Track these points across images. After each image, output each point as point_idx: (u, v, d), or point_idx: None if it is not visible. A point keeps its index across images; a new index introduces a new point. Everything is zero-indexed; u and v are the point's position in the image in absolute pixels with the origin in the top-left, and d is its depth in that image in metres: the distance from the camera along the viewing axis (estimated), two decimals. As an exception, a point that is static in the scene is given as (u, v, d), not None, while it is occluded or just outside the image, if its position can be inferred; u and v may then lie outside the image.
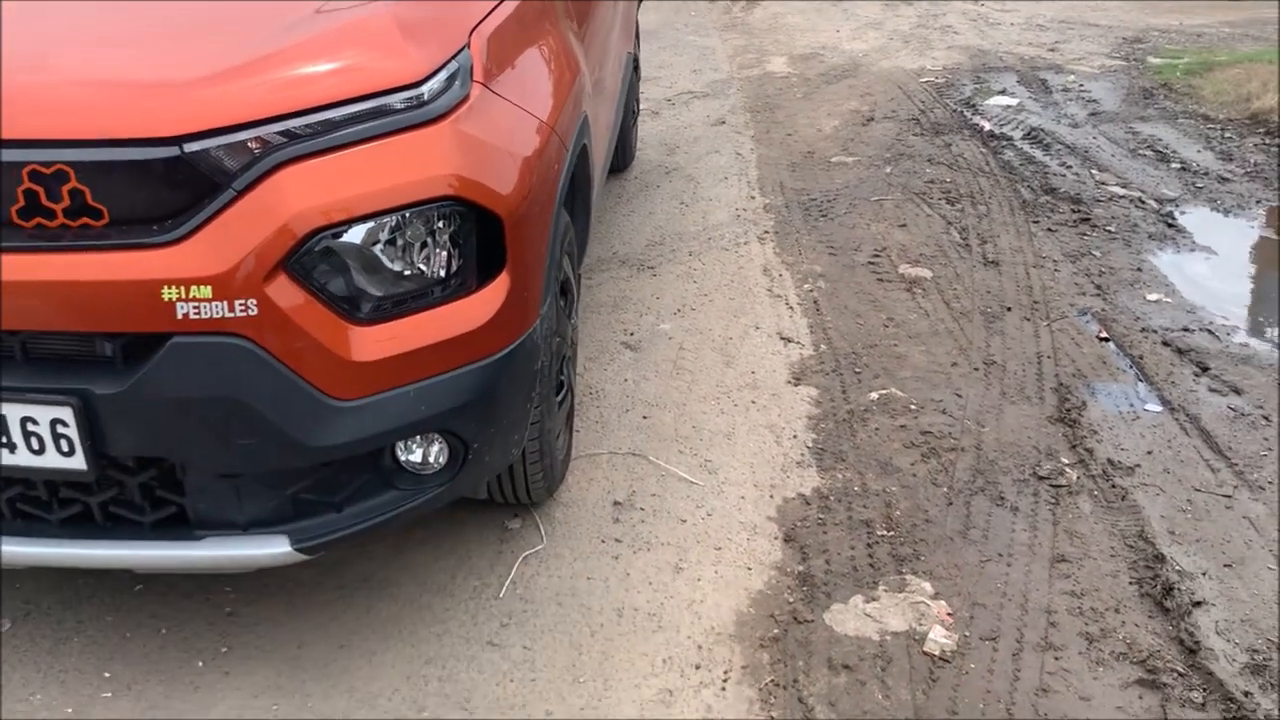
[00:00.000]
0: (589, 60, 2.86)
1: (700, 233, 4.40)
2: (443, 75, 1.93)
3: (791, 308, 3.75)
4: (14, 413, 1.76)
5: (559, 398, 2.49)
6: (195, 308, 1.70)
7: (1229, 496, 2.73)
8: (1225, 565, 2.48)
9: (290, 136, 1.77)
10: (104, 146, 1.69)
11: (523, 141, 2.08)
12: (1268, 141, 5.66)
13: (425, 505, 2.03)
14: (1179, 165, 5.33)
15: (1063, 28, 8.64)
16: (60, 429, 1.76)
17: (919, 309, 3.74)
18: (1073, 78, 6.98)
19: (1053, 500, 2.72)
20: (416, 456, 2.02)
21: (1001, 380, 3.28)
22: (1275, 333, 3.69)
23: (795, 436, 2.97)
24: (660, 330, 3.57)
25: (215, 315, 1.71)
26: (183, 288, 1.69)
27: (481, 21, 2.13)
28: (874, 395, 3.18)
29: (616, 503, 2.66)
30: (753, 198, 4.81)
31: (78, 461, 1.79)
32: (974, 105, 6.27)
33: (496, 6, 2.23)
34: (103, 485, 1.88)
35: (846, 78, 6.86)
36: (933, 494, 2.73)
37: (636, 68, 5.04)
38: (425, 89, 1.89)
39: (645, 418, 3.05)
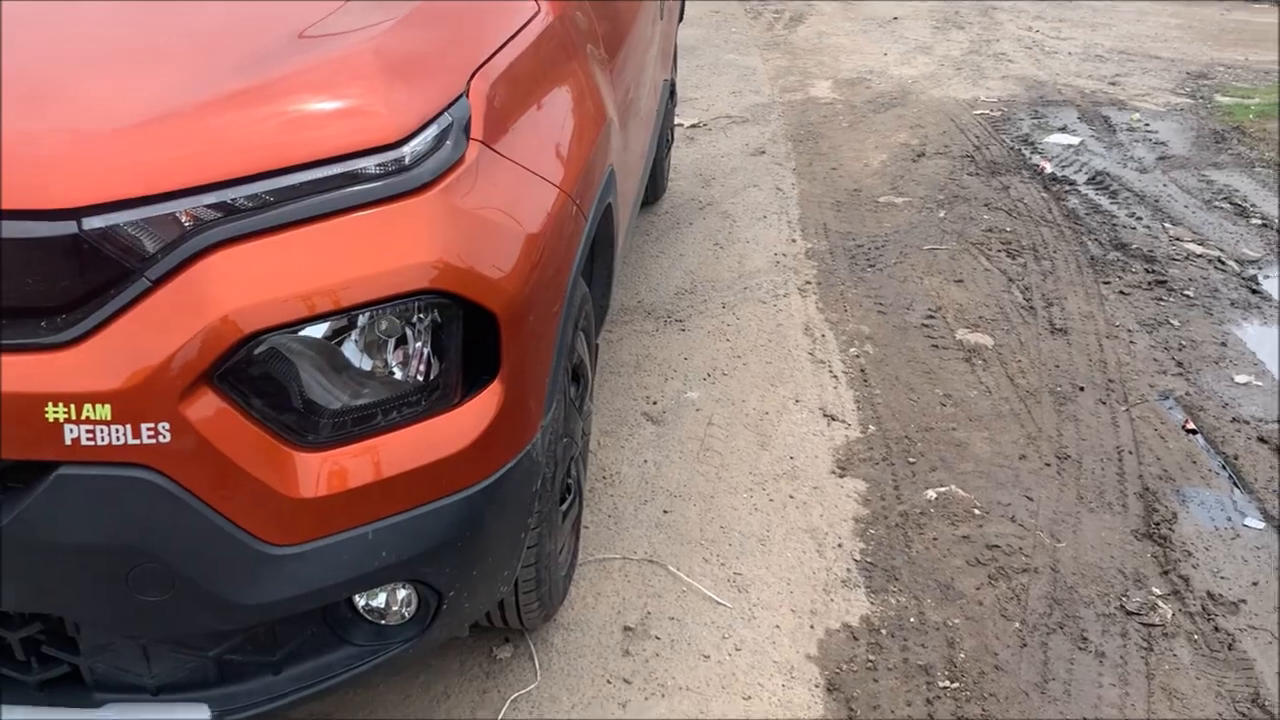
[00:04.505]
0: (619, 97, 2.46)
1: (735, 280, 3.98)
2: (431, 132, 1.52)
3: (836, 377, 3.33)
4: None
5: (564, 507, 2.08)
6: (89, 431, 1.30)
7: (1358, 652, 2.30)
8: (1364, 751, 2.05)
9: (227, 210, 1.36)
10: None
11: (530, 215, 1.67)
12: (1357, 198, 5.19)
13: (387, 664, 1.63)
14: (1260, 221, 4.87)
15: (1123, 59, 8.17)
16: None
17: (980, 384, 3.31)
18: (1137, 116, 6.52)
19: (1144, 644, 2.29)
20: (379, 602, 1.62)
21: (1078, 480, 2.84)
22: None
23: (840, 545, 2.55)
24: (687, 399, 3.15)
25: (115, 441, 1.31)
26: (73, 405, 1.29)
27: (488, 60, 1.72)
28: (931, 494, 2.75)
29: (627, 628, 2.24)
30: (794, 241, 4.38)
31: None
32: (1032, 143, 5.83)
33: (509, 40, 1.82)
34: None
35: (895, 106, 6.43)
36: (1003, 630, 2.30)
37: (673, 93, 4.63)
38: (407, 150, 1.48)
39: (666, 512, 2.63)
